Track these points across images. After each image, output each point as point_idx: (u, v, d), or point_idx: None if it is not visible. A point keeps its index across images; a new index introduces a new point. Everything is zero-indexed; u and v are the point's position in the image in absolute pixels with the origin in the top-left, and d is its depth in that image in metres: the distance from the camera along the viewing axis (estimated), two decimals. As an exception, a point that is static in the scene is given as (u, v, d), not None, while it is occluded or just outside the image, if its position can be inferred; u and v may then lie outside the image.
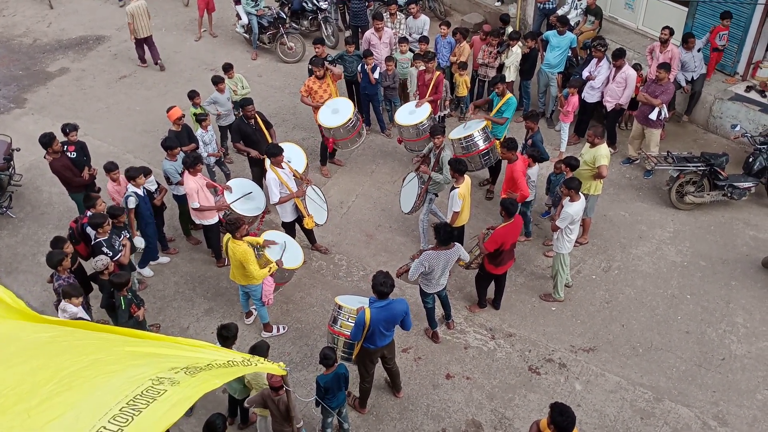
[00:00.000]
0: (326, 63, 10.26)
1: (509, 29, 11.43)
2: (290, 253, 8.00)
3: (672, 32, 10.27)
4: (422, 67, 10.27)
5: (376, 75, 10.56)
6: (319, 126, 10.01)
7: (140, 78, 13.44)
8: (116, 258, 7.57)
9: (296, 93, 10.79)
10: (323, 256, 9.15)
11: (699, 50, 10.34)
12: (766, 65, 10.83)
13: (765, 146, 9.34)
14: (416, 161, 8.86)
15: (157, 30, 14.95)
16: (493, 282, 8.02)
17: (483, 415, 7.14)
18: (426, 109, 9.83)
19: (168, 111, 9.33)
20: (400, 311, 6.39)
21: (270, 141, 9.27)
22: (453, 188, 7.99)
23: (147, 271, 8.96)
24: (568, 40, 10.80)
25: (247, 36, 14.03)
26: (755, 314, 8.11)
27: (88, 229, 7.79)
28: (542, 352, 7.78)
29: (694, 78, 10.53)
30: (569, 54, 10.98)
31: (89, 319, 7.17)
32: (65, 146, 9.01)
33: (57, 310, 7.12)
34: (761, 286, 8.45)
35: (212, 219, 8.56)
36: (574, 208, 7.60)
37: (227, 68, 10.58)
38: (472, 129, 9.12)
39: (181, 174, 8.51)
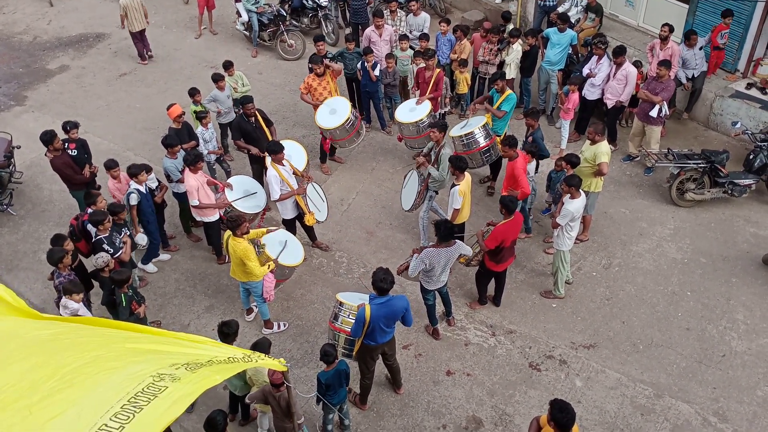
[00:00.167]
0: (326, 60, 10.26)
1: (510, 26, 11.42)
2: (290, 250, 8.00)
3: (672, 29, 10.27)
4: (422, 65, 10.27)
5: (377, 72, 10.55)
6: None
7: (140, 75, 13.44)
8: (117, 255, 7.58)
9: (296, 90, 10.79)
10: (324, 253, 9.16)
11: (701, 48, 10.34)
12: (766, 62, 10.81)
13: (765, 143, 9.34)
14: (417, 159, 8.82)
15: (157, 27, 14.97)
16: (493, 279, 8.03)
17: (483, 412, 7.15)
18: (426, 106, 9.83)
19: (168, 108, 9.33)
20: (400, 308, 6.40)
21: (270, 139, 9.26)
22: (453, 185, 7.99)
23: (150, 267, 8.97)
24: (568, 37, 10.79)
25: (247, 33, 14.03)
26: (756, 311, 8.12)
27: (89, 227, 7.79)
28: (543, 349, 7.79)
29: (695, 75, 10.53)
30: (570, 51, 10.97)
31: (90, 315, 7.18)
32: (66, 144, 9.01)
33: (58, 307, 7.13)
34: (762, 283, 8.46)
35: (213, 216, 8.57)
36: (574, 206, 7.61)
37: (227, 66, 10.57)
38: (473, 126, 9.12)
39: (182, 172, 8.51)
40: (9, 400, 3.43)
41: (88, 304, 7.40)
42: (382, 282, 6.25)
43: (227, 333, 6.33)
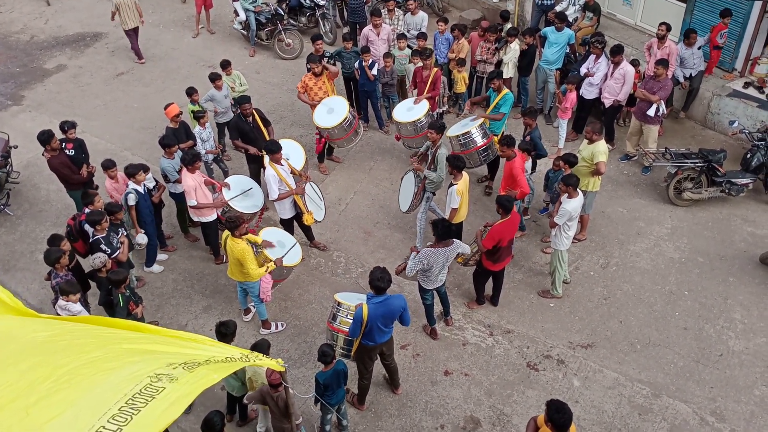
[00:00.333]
0: (323, 60, 10.25)
1: (508, 25, 11.41)
2: (288, 250, 7.99)
3: (669, 28, 10.28)
4: (420, 64, 10.26)
5: (375, 71, 10.54)
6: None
7: (138, 75, 13.42)
8: (114, 255, 7.57)
9: (294, 90, 10.78)
10: (321, 253, 9.15)
11: (699, 48, 10.34)
12: (764, 61, 10.83)
13: (763, 142, 9.35)
14: (413, 161, 8.81)
15: (155, 26, 14.96)
16: (491, 278, 8.03)
17: (481, 412, 7.16)
18: (424, 105, 9.83)
19: (165, 108, 9.31)
20: (397, 307, 6.40)
21: (267, 138, 9.25)
22: (451, 185, 7.99)
23: (156, 268, 8.96)
24: (566, 36, 10.79)
25: (244, 33, 14.01)
26: (753, 310, 8.13)
27: (86, 227, 7.78)
28: (540, 349, 7.79)
29: (693, 75, 10.53)
30: (567, 50, 10.97)
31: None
32: (63, 144, 8.99)
33: (55, 308, 7.12)
34: (759, 283, 8.47)
35: (210, 216, 8.56)
36: (572, 205, 7.61)
37: (225, 65, 10.56)
38: (470, 126, 9.11)
39: (179, 172, 8.50)
40: (6, 400, 3.43)
41: (85, 304, 7.38)
42: (379, 281, 6.24)
43: (225, 333, 6.32)
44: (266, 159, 8.39)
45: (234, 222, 7.20)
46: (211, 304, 8.53)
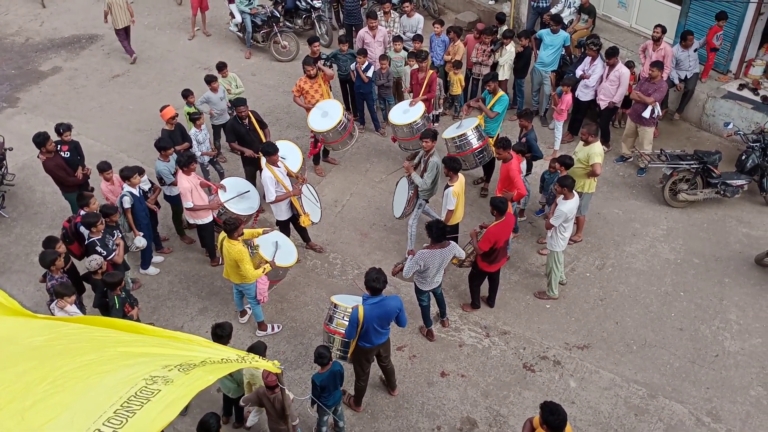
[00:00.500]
0: (319, 63, 10.25)
1: (503, 28, 11.44)
2: (284, 251, 7.99)
3: (664, 30, 10.30)
4: (415, 66, 10.28)
5: (369, 74, 10.55)
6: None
7: (133, 77, 13.40)
8: (110, 257, 7.55)
9: (290, 92, 10.77)
10: (318, 255, 9.14)
11: (696, 50, 10.38)
12: (758, 63, 10.89)
13: (757, 144, 9.38)
14: (407, 166, 8.75)
15: (150, 28, 14.95)
16: (487, 280, 8.04)
17: (478, 413, 7.16)
18: (420, 108, 9.83)
19: (161, 110, 9.30)
20: (393, 308, 6.40)
21: (264, 141, 9.24)
22: (447, 186, 7.99)
23: (152, 270, 8.95)
24: (561, 38, 10.82)
25: (240, 35, 14.00)
26: (748, 311, 8.16)
27: (82, 229, 7.76)
28: (537, 350, 7.80)
29: (688, 76, 10.57)
30: (563, 52, 11.00)
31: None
32: (59, 146, 8.97)
33: (50, 310, 7.10)
34: (754, 283, 8.50)
35: (206, 218, 8.54)
36: (568, 206, 7.62)
37: (221, 67, 10.55)
38: (466, 128, 9.12)
39: (174, 174, 8.48)
40: (2, 402, 3.41)
41: (80, 307, 7.36)
42: (374, 282, 6.24)
43: (221, 335, 6.31)
44: (263, 161, 8.39)
45: (233, 224, 7.20)
46: (207, 306, 8.51)
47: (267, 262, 7.60)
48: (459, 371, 7.58)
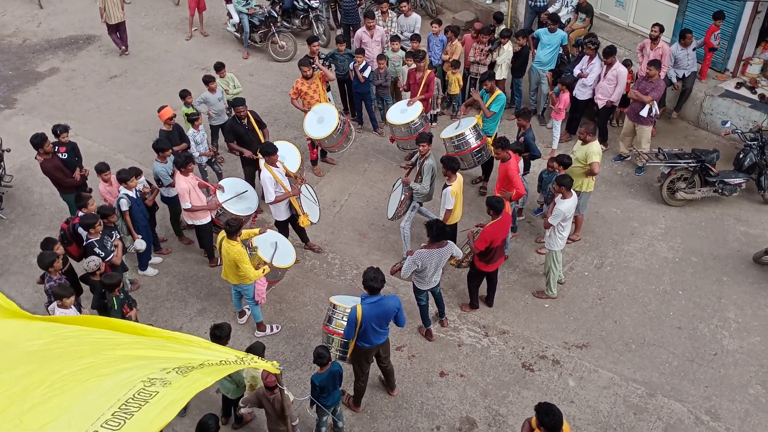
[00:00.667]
0: (319, 62, 10.24)
1: (501, 27, 11.44)
2: (282, 251, 7.99)
3: (662, 29, 10.31)
4: (413, 66, 10.27)
5: (366, 73, 10.54)
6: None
7: (131, 77, 13.39)
8: (108, 258, 7.54)
9: (288, 92, 10.77)
10: (316, 255, 9.14)
11: (694, 49, 10.39)
12: (756, 62, 10.89)
13: (755, 142, 9.39)
14: (405, 167, 8.75)
15: (148, 29, 14.94)
16: (485, 280, 8.04)
17: (477, 412, 7.16)
18: (417, 107, 9.83)
19: (159, 111, 9.29)
20: (392, 307, 6.40)
21: (263, 141, 9.24)
22: (445, 186, 7.99)
23: (150, 271, 8.94)
24: (559, 37, 10.82)
25: (238, 35, 13.99)
26: (747, 309, 8.16)
27: (80, 230, 7.75)
28: (535, 349, 7.80)
29: (686, 75, 10.58)
30: (560, 51, 11.00)
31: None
32: (56, 147, 8.96)
33: (48, 311, 7.09)
34: (752, 282, 8.50)
35: (204, 219, 8.54)
36: (566, 206, 7.63)
37: (218, 67, 10.55)
38: (464, 127, 9.12)
39: (172, 176, 8.47)
40: (0, 406, 3.41)
41: (79, 308, 7.35)
42: (372, 281, 6.24)
43: (219, 336, 6.31)
44: (262, 161, 8.38)
45: (235, 225, 7.20)
46: (206, 307, 8.51)
47: (266, 263, 7.60)
48: (458, 371, 7.59)
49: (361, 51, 10.66)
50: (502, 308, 8.31)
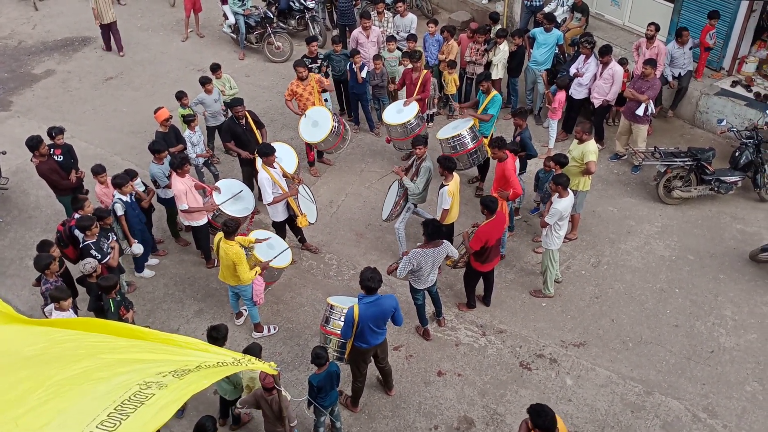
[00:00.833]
0: (319, 71, 10.26)
1: (497, 27, 11.45)
2: (278, 251, 7.98)
3: (658, 28, 10.34)
4: (409, 66, 10.28)
5: (364, 74, 10.55)
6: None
7: (127, 79, 13.37)
8: (105, 261, 7.53)
9: (284, 93, 10.77)
10: (313, 256, 9.14)
11: (691, 48, 10.41)
12: (751, 60, 10.92)
13: (751, 140, 9.41)
14: (399, 169, 8.70)
15: (144, 30, 14.92)
16: (482, 279, 8.04)
17: (475, 412, 7.16)
18: (414, 107, 9.83)
19: (155, 112, 9.28)
20: (389, 307, 6.40)
21: (261, 141, 9.23)
22: (442, 186, 8.00)
23: (147, 273, 8.92)
24: (554, 37, 10.84)
25: (234, 36, 13.98)
26: (743, 307, 8.18)
27: (76, 232, 7.73)
28: (533, 348, 7.81)
29: (681, 74, 10.60)
30: (556, 51, 11.02)
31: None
32: (52, 149, 8.94)
33: (44, 314, 7.08)
34: (749, 279, 8.52)
35: (201, 220, 8.53)
36: (562, 205, 7.64)
37: (215, 68, 10.54)
38: (461, 128, 9.13)
39: (169, 177, 8.46)
40: (-4, 411, 3.42)
41: (75, 310, 7.34)
42: (369, 281, 6.24)
43: (216, 337, 6.30)
44: (258, 162, 8.37)
45: (233, 226, 7.20)
46: (203, 308, 8.50)
47: (261, 263, 7.59)
48: (456, 370, 7.59)
49: (357, 52, 10.66)
50: (500, 307, 8.32)
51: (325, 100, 10.46)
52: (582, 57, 10.28)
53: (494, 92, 9.55)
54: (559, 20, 11.67)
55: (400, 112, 9.86)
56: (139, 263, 8.81)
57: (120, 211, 8.08)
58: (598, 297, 8.39)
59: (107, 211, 7.87)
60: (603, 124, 10.78)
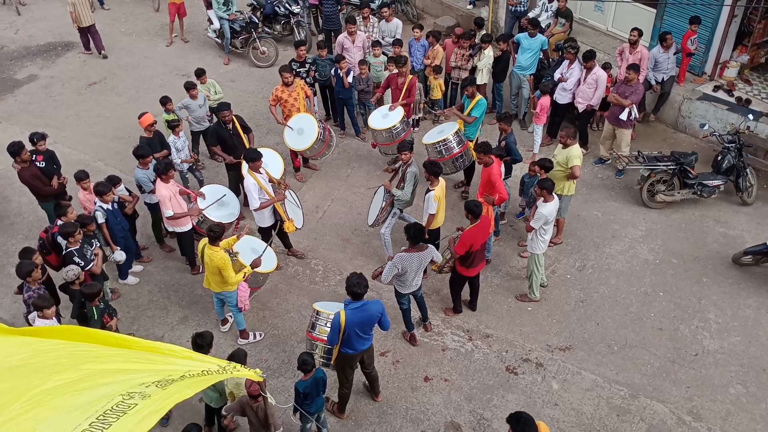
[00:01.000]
0: (307, 76, 10.23)
1: (482, 32, 11.50)
2: (263, 256, 7.94)
3: (641, 33, 10.43)
4: (395, 71, 10.29)
5: (350, 79, 10.55)
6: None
7: (110, 84, 13.27)
8: (88, 268, 7.45)
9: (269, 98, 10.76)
10: (299, 261, 9.10)
11: (675, 53, 10.51)
12: (733, 65, 11.04)
13: (733, 144, 9.51)
14: (388, 170, 8.73)
15: (128, 35, 14.84)
16: (468, 284, 8.05)
17: (462, 417, 7.16)
18: (399, 112, 9.83)
19: (139, 117, 9.22)
20: (375, 312, 6.38)
21: (248, 146, 9.19)
22: (428, 190, 8.00)
23: (131, 279, 8.84)
24: (539, 42, 10.90)
25: (219, 41, 13.93)
26: (726, 310, 8.25)
27: (59, 239, 7.65)
28: (519, 353, 7.82)
29: (664, 79, 10.70)
30: (540, 56, 11.08)
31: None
32: (34, 155, 8.85)
33: (27, 321, 6.99)
34: (732, 282, 8.60)
35: (186, 226, 8.47)
36: (547, 209, 7.67)
37: (199, 73, 10.49)
38: (446, 132, 9.14)
39: (154, 182, 8.40)
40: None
41: (58, 318, 7.25)
42: (355, 287, 6.23)
43: (201, 344, 6.25)
44: (245, 167, 8.33)
45: (218, 231, 7.15)
46: (188, 315, 8.43)
47: (246, 266, 7.54)
48: (442, 375, 7.58)
49: (342, 57, 10.65)
50: (486, 312, 8.33)
51: (307, 109, 10.42)
52: (566, 62, 10.36)
53: (479, 96, 9.57)
54: (543, 25, 11.75)
55: (385, 117, 9.86)
56: (123, 270, 8.74)
57: (101, 219, 8.00)
58: (584, 301, 8.43)
59: (90, 218, 7.79)
60: (587, 129, 10.86)
